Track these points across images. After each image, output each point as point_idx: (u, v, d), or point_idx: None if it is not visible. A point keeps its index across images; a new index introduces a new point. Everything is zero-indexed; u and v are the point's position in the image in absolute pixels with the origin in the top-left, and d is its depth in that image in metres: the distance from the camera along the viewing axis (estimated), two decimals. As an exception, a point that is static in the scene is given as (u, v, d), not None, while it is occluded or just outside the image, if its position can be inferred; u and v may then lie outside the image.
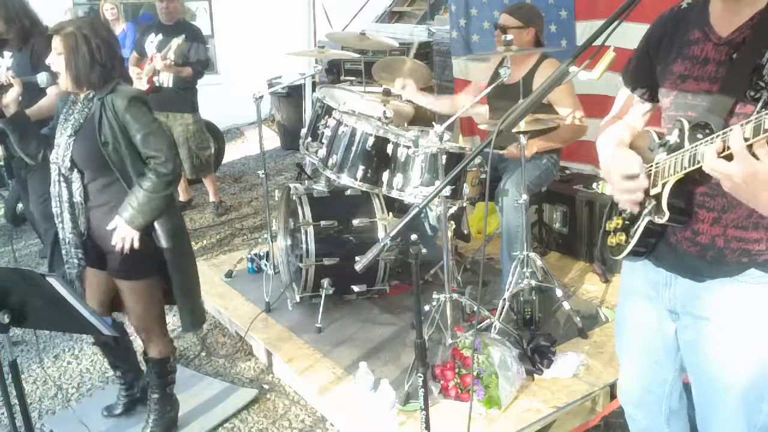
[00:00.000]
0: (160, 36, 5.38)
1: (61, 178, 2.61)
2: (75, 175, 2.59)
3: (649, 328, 1.90)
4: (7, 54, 3.94)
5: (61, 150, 2.58)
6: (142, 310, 2.73)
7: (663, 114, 1.78)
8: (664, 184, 1.64)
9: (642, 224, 1.71)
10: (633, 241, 1.74)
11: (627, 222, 1.79)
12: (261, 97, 4.00)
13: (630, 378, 2.06)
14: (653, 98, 1.86)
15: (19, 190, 4.60)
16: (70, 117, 2.62)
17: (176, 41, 5.08)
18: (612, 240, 1.85)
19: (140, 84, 5.37)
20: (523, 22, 3.70)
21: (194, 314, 2.83)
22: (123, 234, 2.56)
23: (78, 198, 2.60)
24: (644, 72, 1.83)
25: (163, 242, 2.65)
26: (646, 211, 1.70)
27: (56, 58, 2.55)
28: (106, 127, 2.52)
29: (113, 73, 2.59)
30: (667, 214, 1.63)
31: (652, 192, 1.68)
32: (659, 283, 1.81)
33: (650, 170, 1.69)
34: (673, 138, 1.65)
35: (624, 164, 1.72)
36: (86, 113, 2.57)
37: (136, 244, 2.57)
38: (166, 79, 5.38)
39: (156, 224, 2.63)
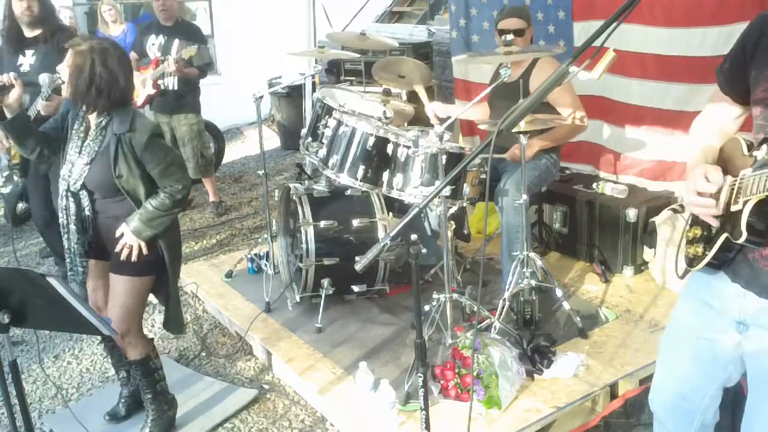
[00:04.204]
0: (161, 38, 5.36)
1: (69, 194, 2.69)
2: (84, 193, 2.68)
3: (704, 338, 1.83)
4: (29, 52, 3.99)
5: (76, 171, 2.66)
6: (131, 306, 2.76)
7: (754, 122, 1.68)
8: (745, 202, 1.55)
9: (720, 240, 1.64)
10: (710, 255, 1.68)
11: (705, 233, 1.72)
12: (261, 97, 4.00)
13: (667, 381, 1.99)
14: (746, 102, 1.76)
15: (27, 188, 4.64)
16: (83, 137, 2.67)
17: (189, 51, 5.05)
18: (689, 250, 1.79)
19: (145, 89, 5.37)
20: (527, 22, 3.80)
21: (180, 319, 2.98)
22: (128, 242, 2.65)
23: (87, 213, 2.70)
24: (738, 74, 1.73)
25: (164, 252, 2.75)
26: (724, 226, 1.63)
27: (64, 69, 2.64)
28: (121, 162, 2.61)
29: (114, 100, 2.63)
30: (745, 234, 1.56)
31: (733, 208, 1.59)
32: (731, 294, 1.74)
33: (733, 185, 1.61)
34: (761, 154, 1.56)
35: (699, 180, 1.63)
36: (100, 141, 2.64)
37: (144, 251, 2.67)
38: (171, 83, 5.38)
39: (159, 238, 2.73)
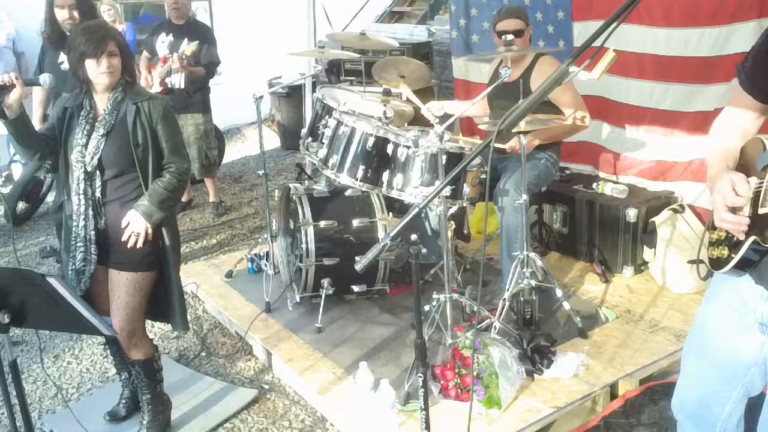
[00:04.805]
0: (171, 36, 5.37)
1: (86, 176, 2.70)
2: (97, 174, 2.71)
3: (725, 340, 1.81)
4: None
5: (91, 148, 2.68)
6: (136, 304, 2.75)
7: None
8: None
9: (747, 243, 1.61)
10: (736, 258, 1.65)
11: (730, 235, 1.67)
12: (261, 97, 4.00)
13: (689, 386, 1.97)
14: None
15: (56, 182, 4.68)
16: (99, 118, 2.70)
17: (190, 47, 5.06)
18: (713, 252, 1.75)
19: (153, 86, 5.37)
20: (525, 22, 3.80)
21: (184, 314, 2.93)
22: (137, 228, 2.68)
23: (98, 194, 2.72)
24: (761, 72, 1.69)
25: (167, 240, 2.79)
26: (752, 229, 1.59)
27: (111, 60, 2.66)
28: (139, 130, 2.69)
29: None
30: None
31: (760, 211, 1.56)
32: (755, 296, 1.71)
33: (758, 188, 1.57)
34: None
35: (728, 195, 1.58)
36: (116, 114, 2.70)
37: (150, 234, 2.70)
38: (178, 81, 5.38)
39: (163, 226, 2.77)
